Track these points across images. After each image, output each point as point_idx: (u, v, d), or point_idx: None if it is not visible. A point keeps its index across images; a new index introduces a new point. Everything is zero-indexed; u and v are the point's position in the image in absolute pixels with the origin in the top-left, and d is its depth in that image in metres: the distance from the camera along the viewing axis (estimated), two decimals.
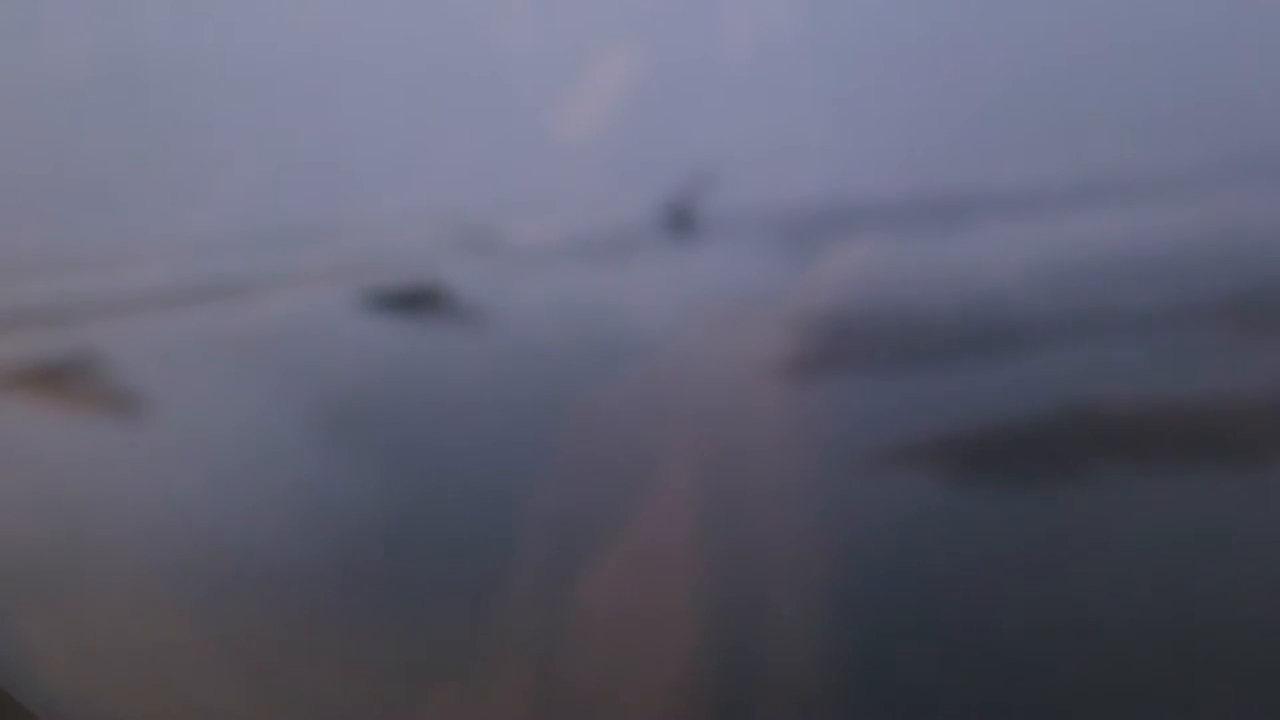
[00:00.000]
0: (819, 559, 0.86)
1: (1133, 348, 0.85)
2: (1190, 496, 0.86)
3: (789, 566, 0.86)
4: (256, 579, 0.89)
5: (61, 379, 0.90)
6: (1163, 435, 0.86)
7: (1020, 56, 0.84)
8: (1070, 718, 0.87)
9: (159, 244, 0.89)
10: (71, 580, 0.92)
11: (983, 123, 0.84)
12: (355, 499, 0.88)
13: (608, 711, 0.88)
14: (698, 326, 0.86)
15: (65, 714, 0.94)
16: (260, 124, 0.88)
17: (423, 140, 0.86)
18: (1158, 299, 0.85)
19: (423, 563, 0.88)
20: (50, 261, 0.90)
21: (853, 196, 0.85)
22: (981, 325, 0.85)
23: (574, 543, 0.87)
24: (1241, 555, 0.86)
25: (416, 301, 0.86)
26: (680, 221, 0.84)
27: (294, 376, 0.88)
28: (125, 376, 0.89)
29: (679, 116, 0.85)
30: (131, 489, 0.90)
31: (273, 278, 0.88)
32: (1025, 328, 0.85)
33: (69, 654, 0.93)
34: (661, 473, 0.86)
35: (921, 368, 0.86)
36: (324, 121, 0.87)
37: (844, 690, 0.87)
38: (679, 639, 0.87)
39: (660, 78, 0.85)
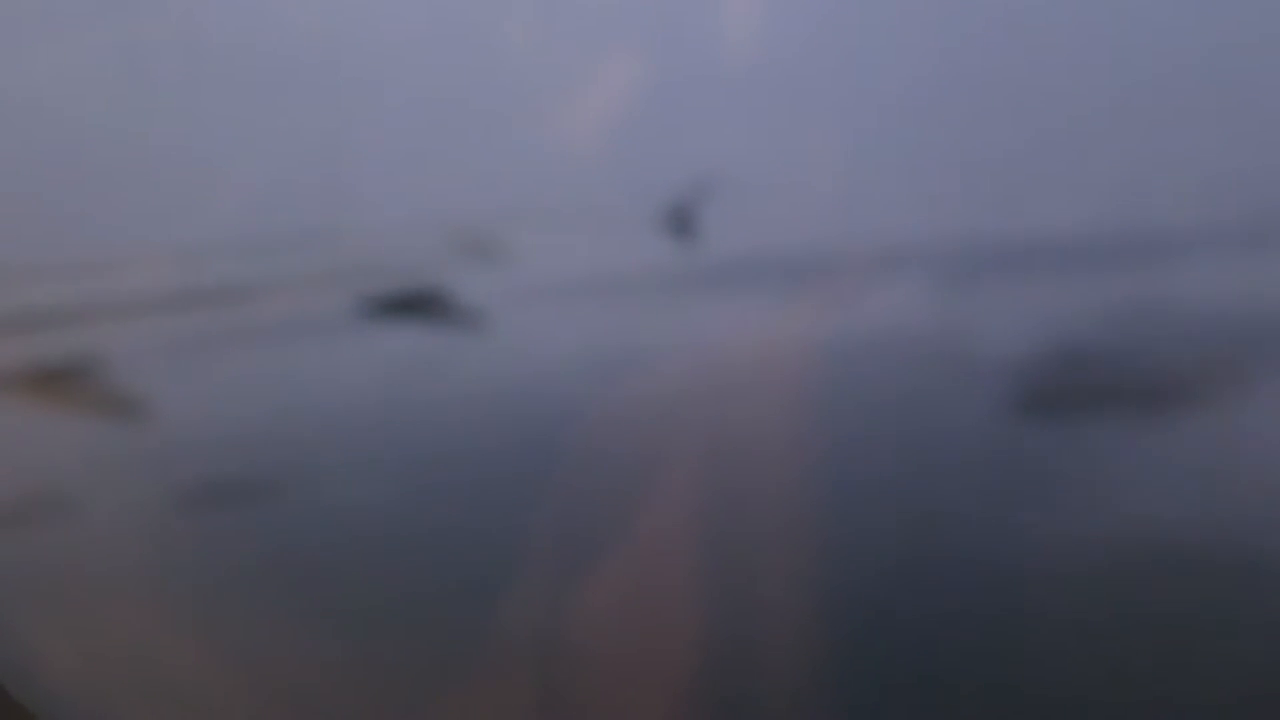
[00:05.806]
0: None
1: None
2: None
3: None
4: (257, 581, 0.90)
5: (63, 382, 0.90)
6: None
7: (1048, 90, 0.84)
8: None
9: (160, 248, 0.89)
10: (73, 583, 0.92)
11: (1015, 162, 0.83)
12: (354, 502, 0.88)
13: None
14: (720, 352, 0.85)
15: (67, 716, 0.94)
16: (262, 129, 0.88)
17: (424, 146, 0.86)
18: None
19: (421, 567, 0.88)
20: (51, 266, 0.90)
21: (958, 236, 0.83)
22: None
23: (584, 553, 0.87)
24: None
25: (416, 307, 0.87)
26: (682, 228, 0.84)
27: (294, 381, 0.88)
28: (126, 380, 0.90)
29: (685, 124, 0.85)
30: (132, 492, 0.90)
31: (274, 282, 0.88)
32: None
33: (71, 656, 0.93)
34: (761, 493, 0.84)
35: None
36: (325, 127, 0.87)
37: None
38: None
39: (667, 85, 0.85)
